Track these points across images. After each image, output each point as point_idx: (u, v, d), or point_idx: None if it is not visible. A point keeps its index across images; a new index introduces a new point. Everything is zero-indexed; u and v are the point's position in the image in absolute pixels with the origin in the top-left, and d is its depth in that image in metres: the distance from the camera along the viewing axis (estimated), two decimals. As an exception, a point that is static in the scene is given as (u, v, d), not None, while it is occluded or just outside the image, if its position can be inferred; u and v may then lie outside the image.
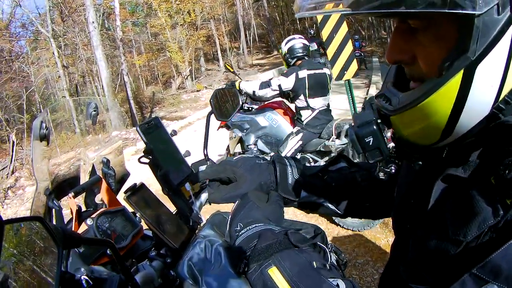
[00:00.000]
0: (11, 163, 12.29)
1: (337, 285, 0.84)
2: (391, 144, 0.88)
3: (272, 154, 5.41)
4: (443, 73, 0.68)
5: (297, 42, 5.60)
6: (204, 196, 1.35)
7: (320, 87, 5.36)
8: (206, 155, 1.48)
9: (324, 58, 6.36)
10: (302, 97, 5.31)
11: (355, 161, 1.38)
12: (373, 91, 12.53)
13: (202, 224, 1.27)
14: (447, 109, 0.69)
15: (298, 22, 44.80)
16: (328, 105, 5.60)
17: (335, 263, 1.03)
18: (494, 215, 0.65)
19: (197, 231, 1.28)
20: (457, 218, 0.72)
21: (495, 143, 0.72)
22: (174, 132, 1.44)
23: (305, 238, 0.99)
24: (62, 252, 0.75)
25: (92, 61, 23.10)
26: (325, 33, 5.93)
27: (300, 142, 5.26)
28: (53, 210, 1.27)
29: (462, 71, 0.65)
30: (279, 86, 5.27)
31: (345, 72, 6.01)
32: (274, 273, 0.87)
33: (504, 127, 0.68)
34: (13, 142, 13.20)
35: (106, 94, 16.38)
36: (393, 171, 0.94)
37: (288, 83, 5.26)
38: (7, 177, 11.58)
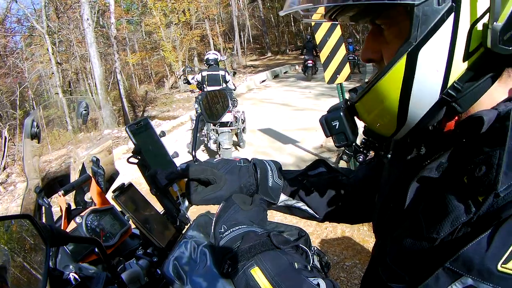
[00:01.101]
0: (2, 159, 12.21)
1: (318, 284, 0.87)
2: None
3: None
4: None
5: (211, 54, 9.55)
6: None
7: (214, 80, 8.99)
8: (194, 157, 1.49)
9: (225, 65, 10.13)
10: (205, 86, 9.01)
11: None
12: (366, 95, 12.56)
13: (188, 225, 1.29)
14: (396, 92, 0.75)
15: (293, 24, 44.87)
16: None
17: (317, 265, 1.06)
18: (466, 212, 0.68)
19: (183, 231, 1.29)
20: (431, 216, 0.75)
21: (464, 141, 0.76)
22: (163, 133, 1.46)
23: (287, 240, 1.01)
24: (50, 249, 0.77)
25: (86, 58, 23.00)
26: (318, 37, 5.94)
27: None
28: (43, 207, 1.29)
29: (405, 56, 0.72)
30: (196, 79, 9.14)
31: (338, 75, 6.02)
32: (256, 273, 0.89)
33: (469, 120, 0.74)
34: (5, 138, 13.11)
35: (99, 92, 16.30)
36: (360, 160, 0.99)
37: (198, 78, 9.10)
38: (-1, 173, 11.52)
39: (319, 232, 4.88)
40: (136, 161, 1.30)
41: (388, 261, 0.87)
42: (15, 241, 0.84)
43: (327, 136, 0.95)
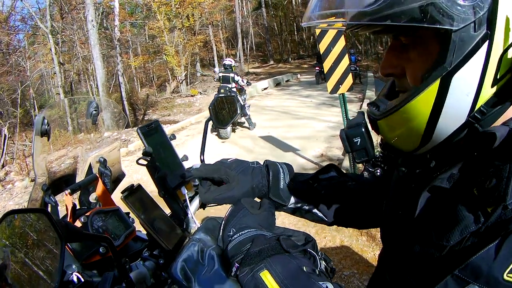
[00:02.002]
0: (1, 156, 12.20)
1: (326, 287, 0.88)
2: (379, 149, 0.97)
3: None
4: (423, 82, 0.75)
5: (227, 60, 12.63)
6: (198, 200, 1.37)
7: (226, 80, 12.05)
8: (202, 161, 1.49)
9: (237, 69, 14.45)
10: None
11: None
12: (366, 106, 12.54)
13: (195, 228, 1.29)
14: (426, 114, 0.76)
15: (295, 33, 44.93)
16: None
17: (324, 269, 1.07)
18: (475, 222, 0.70)
19: (191, 234, 1.30)
20: (441, 225, 0.77)
21: (475, 155, 0.78)
22: (173, 136, 1.46)
23: (296, 244, 1.02)
24: (64, 245, 0.77)
25: (88, 59, 23.03)
26: (322, 46, 5.99)
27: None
28: (49, 205, 1.28)
29: (439, 80, 0.72)
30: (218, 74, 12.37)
31: (340, 86, 6.10)
32: (266, 276, 0.90)
33: (482, 135, 0.75)
34: (5, 136, 13.09)
35: (100, 94, 16.32)
36: (378, 173, 1.00)
37: (219, 75, 12.31)
38: (-2, 170, 11.50)
39: (318, 240, 4.79)
40: (146, 162, 1.30)
41: (396, 267, 0.90)
42: (25, 236, 0.84)
43: (347, 152, 0.97)
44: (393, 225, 1.01)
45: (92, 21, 16.95)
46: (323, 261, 1.11)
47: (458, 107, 0.74)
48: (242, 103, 11.67)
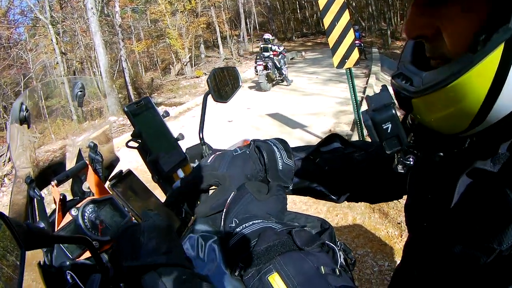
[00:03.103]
0: (7, 150, 12.21)
1: None
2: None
3: None
4: (478, 48, 0.56)
5: (266, 35, 16.36)
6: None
7: (265, 50, 15.13)
8: (201, 139, 1.38)
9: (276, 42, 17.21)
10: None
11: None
12: (373, 81, 12.58)
13: (195, 216, 1.16)
14: (483, 91, 0.58)
15: (298, 11, 44.70)
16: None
17: (344, 263, 0.91)
18: None
19: (189, 223, 1.17)
20: (489, 221, 0.61)
21: None
22: (167, 114, 1.33)
23: (312, 237, 0.87)
24: (25, 253, 0.64)
25: (91, 47, 23.02)
26: (326, 22, 6.01)
27: None
28: (35, 199, 1.17)
29: (502, 45, 0.54)
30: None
31: (346, 60, 6.05)
32: (275, 281, 0.76)
33: None
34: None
35: (104, 80, 16.29)
36: (411, 163, 0.81)
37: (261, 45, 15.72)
38: (4, 164, 11.47)
39: (330, 219, 4.77)
40: (136, 145, 1.18)
41: (428, 268, 0.74)
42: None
43: (375, 142, 0.78)
44: (420, 211, 0.85)
45: (92, 8, 16.78)
46: (343, 252, 0.96)
47: None
48: (279, 65, 15.14)
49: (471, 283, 0.64)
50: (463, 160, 0.69)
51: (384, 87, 0.79)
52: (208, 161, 1.13)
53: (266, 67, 14.22)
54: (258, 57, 14.70)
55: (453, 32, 0.62)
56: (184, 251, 0.85)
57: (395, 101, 0.74)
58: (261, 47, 15.53)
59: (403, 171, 0.84)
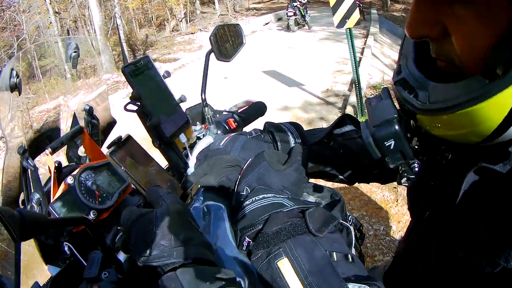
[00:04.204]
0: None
1: None
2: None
3: None
4: (497, 71, 0.48)
5: None
6: (201, 147, 1.19)
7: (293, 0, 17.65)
8: (204, 100, 1.32)
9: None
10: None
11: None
12: (371, 42, 12.40)
13: (197, 184, 1.12)
14: (499, 117, 0.50)
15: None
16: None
17: (355, 242, 0.88)
18: None
19: (192, 191, 1.14)
20: (497, 234, 0.56)
21: None
22: (168, 74, 1.27)
23: (326, 218, 0.81)
24: (20, 247, 0.59)
25: (85, 5, 22.74)
26: None
27: None
28: (29, 170, 1.12)
29: None
30: None
31: (347, 20, 5.95)
32: (284, 266, 0.72)
33: None
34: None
35: (98, 38, 16.12)
36: (416, 169, 0.75)
37: None
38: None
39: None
40: (135, 108, 1.11)
41: (432, 266, 0.71)
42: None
43: (376, 158, 0.70)
44: (423, 198, 0.81)
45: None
46: (353, 227, 0.92)
47: None
48: (303, 13, 17.75)
49: None
50: (470, 155, 0.64)
51: (385, 91, 0.73)
52: (221, 144, 1.10)
53: (295, 14, 17.51)
54: (289, 6, 17.84)
55: (464, 37, 0.53)
56: (202, 236, 0.79)
57: (397, 113, 0.68)
58: None
59: (407, 184, 0.78)
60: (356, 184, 4.50)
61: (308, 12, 19.00)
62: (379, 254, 3.53)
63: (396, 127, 0.66)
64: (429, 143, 0.68)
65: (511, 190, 0.56)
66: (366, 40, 13.18)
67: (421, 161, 0.74)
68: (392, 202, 4.19)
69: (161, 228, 0.74)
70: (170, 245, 0.71)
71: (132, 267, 0.80)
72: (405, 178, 0.77)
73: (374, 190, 4.48)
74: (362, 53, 11.07)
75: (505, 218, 0.55)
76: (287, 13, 17.98)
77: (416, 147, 0.70)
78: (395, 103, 0.69)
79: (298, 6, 17.93)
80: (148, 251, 0.71)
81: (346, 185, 4.53)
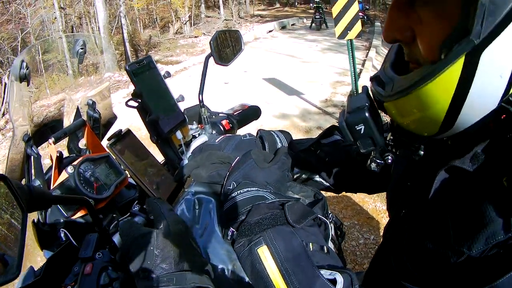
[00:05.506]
0: (2, 105, 12.06)
1: (334, 279, 0.75)
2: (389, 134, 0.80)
3: None
4: (442, 57, 0.57)
5: None
6: (196, 144, 1.25)
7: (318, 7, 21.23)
8: (201, 101, 1.37)
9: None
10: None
11: None
12: (373, 54, 12.45)
13: (191, 178, 1.17)
14: (446, 100, 0.58)
15: (303, -24, 43.93)
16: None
17: (334, 236, 0.93)
18: (504, 230, 0.56)
19: (185, 185, 1.18)
20: (461, 225, 0.62)
21: (506, 135, 0.61)
22: (168, 74, 1.32)
23: (304, 212, 0.88)
24: (26, 216, 0.65)
25: (90, 2, 22.67)
26: None
27: None
28: (32, 157, 1.17)
29: (463, 57, 0.54)
30: None
31: (349, 31, 5.97)
32: (263, 253, 0.78)
33: None
34: (5, 84, 12.93)
35: (102, 36, 16.06)
36: (389, 161, 0.82)
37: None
38: (-2, 119, 11.38)
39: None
40: (136, 104, 1.17)
41: (403, 258, 0.76)
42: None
43: (350, 142, 0.78)
44: (400, 197, 0.87)
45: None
46: (334, 225, 0.98)
47: (489, 91, 0.56)
48: (323, 17, 21.58)
49: (442, 279, 0.66)
50: (442, 156, 0.72)
51: (364, 88, 0.81)
52: (216, 141, 1.16)
53: (320, 17, 21.43)
54: (316, 11, 21.60)
55: (425, 37, 0.62)
56: (203, 258, 0.84)
57: (370, 103, 0.76)
58: (315, 5, 21.57)
59: (376, 170, 0.85)
60: (349, 194, 4.55)
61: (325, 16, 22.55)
62: (368, 262, 3.57)
63: (366, 114, 0.75)
64: (401, 137, 0.76)
65: (476, 186, 0.62)
66: (368, 53, 13.21)
67: (395, 155, 0.81)
68: (384, 212, 4.21)
69: (161, 250, 0.77)
70: (170, 268, 0.75)
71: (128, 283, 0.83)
72: (374, 164, 0.83)
73: (367, 200, 4.51)
74: (363, 65, 11.12)
75: (470, 211, 0.61)
76: (315, 16, 21.77)
77: (390, 141, 0.79)
78: (371, 97, 0.78)
79: (322, 11, 21.79)
80: (146, 273, 0.74)
81: (339, 195, 4.62)
